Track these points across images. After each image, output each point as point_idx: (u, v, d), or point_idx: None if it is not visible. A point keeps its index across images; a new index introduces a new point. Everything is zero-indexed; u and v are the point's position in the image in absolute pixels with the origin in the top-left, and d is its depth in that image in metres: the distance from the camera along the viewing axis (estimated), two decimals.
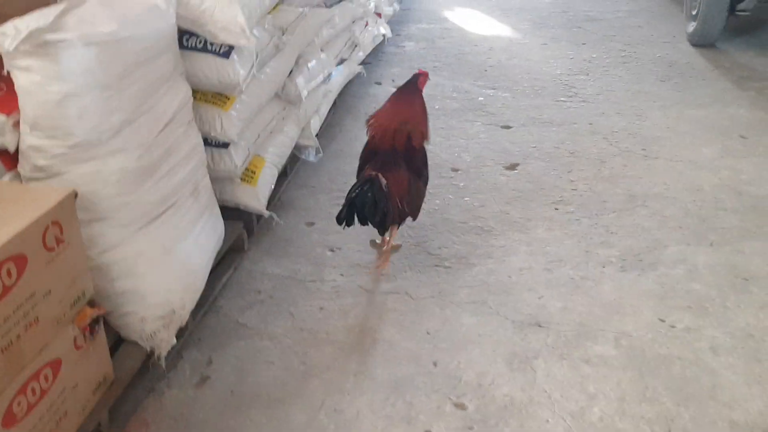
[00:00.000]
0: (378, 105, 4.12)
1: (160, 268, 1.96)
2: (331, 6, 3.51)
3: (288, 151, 2.95)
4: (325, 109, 3.46)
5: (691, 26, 4.80)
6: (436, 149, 3.46)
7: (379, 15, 4.59)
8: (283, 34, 2.73)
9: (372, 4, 4.22)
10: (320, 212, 2.92)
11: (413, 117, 2.45)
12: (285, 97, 2.91)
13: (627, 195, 3.01)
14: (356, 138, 3.58)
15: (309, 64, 3.06)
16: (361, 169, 2.45)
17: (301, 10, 2.86)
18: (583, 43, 5.01)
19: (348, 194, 2.23)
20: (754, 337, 2.17)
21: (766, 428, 1.86)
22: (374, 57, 4.72)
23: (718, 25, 4.57)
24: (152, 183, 1.91)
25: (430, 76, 2.62)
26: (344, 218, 2.21)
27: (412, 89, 2.51)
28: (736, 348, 2.13)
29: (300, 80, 2.93)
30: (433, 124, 3.76)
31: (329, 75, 3.46)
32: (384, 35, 4.58)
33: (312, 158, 3.18)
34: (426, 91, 2.58)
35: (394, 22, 5.49)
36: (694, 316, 2.27)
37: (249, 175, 2.60)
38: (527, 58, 4.76)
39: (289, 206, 2.96)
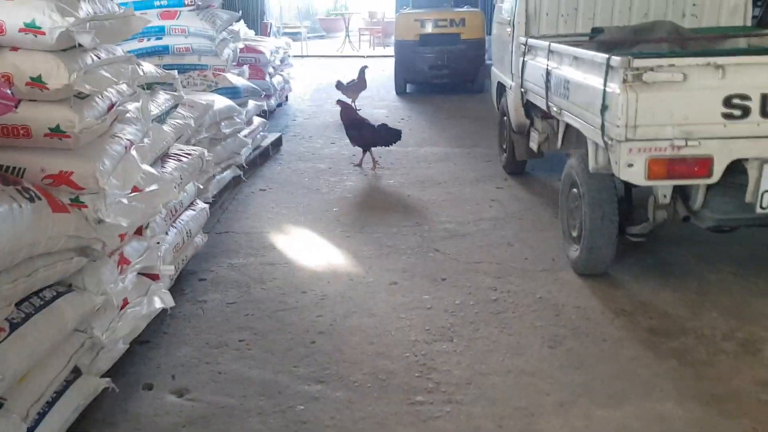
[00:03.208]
0: None
1: None
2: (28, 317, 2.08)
3: None
4: None
5: (574, 251, 3.77)
6: None
7: (154, 277, 3.22)
8: None
9: (128, 280, 2.82)
10: None
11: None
12: None
13: None
14: None
15: None
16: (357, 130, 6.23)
17: None
18: (443, 279, 3.85)
19: (377, 128, 6.05)
20: None
21: None
22: (153, 334, 3.29)
23: (608, 254, 3.57)
24: None
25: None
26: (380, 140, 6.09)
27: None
28: None
29: None
30: None
31: None
32: (163, 307, 3.19)
33: None
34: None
35: (201, 257, 4.15)
36: None
37: None
38: (371, 312, 3.50)
39: None
